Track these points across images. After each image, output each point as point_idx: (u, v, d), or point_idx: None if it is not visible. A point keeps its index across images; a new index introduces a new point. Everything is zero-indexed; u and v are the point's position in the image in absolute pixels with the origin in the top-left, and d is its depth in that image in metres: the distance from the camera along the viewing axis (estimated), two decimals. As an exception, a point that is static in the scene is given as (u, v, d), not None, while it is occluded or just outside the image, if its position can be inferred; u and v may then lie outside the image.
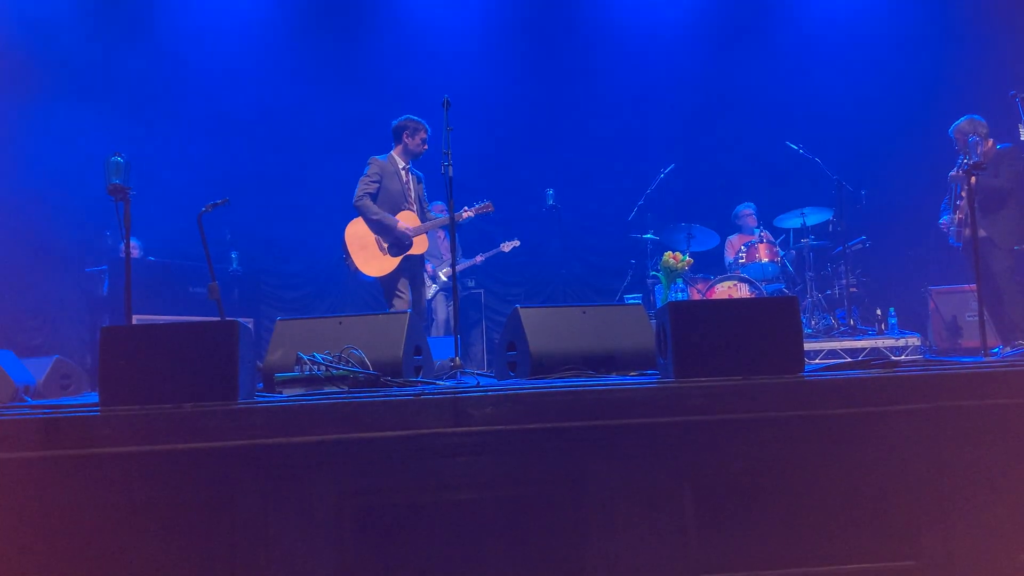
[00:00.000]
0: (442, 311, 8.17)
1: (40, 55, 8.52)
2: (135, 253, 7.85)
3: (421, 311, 6.18)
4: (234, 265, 8.45)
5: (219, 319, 4.43)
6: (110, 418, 2.47)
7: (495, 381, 4.02)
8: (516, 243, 8.11)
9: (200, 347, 2.68)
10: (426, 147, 6.23)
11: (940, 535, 2.57)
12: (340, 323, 3.82)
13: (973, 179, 4.74)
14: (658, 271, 7.46)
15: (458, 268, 8.07)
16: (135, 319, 6.82)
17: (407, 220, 6.16)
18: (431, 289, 8.00)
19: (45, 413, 2.57)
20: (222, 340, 2.68)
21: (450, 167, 5.07)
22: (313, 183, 9.64)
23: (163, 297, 7.60)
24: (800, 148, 7.87)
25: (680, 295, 7.47)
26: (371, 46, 9.79)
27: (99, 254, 8.27)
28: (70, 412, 2.58)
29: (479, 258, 8.25)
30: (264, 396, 3.07)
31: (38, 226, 8.31)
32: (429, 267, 7.90)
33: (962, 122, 6.38)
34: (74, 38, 8.74)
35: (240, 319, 7.38)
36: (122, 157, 4.13)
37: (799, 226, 8.03)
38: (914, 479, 2.58)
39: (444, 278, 7.87)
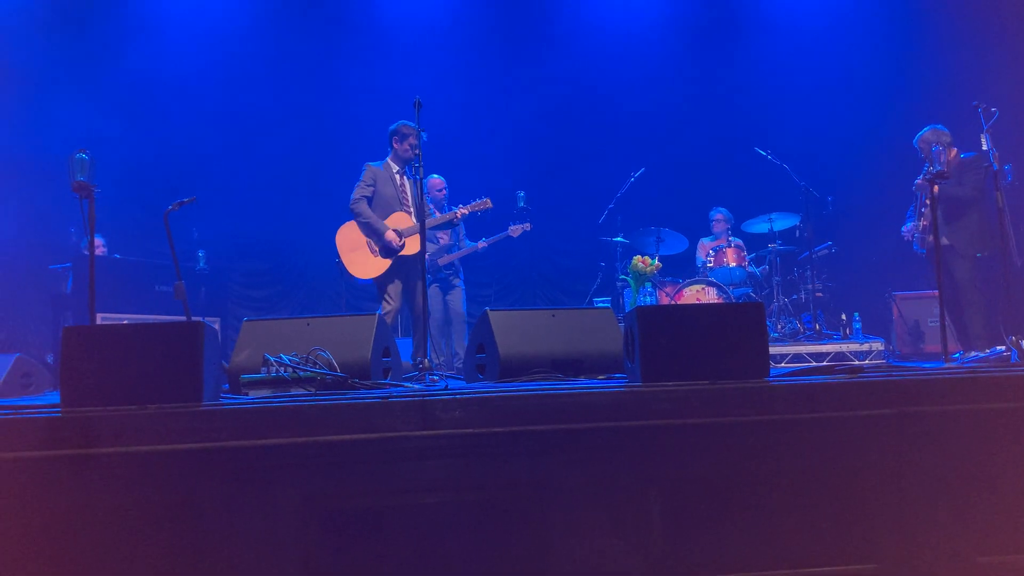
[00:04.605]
0: (456, 305, 7.77)
1: (1, 49, 8.37)
2: (100, 250, 7.73)
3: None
4: (201, 264, 8.35)
5: (184, 319, 4.39)
6: (71, 419, 2.43)
7: (464, 384, 4.02)
8: (527, 226, 7.61)
9: (164, 348, 2.65)
10: (416, 152, 6.01)
11: (900, 538, 2.61)
12: (308, 324, 3.79)
13: (936, 188, 4.83)
14: (627, 274, 7.48)
15: (461, 254, 7.87)
16: (99, 317, 6.69)
17: (399, 221, 6.18)
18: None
19: (4, 414, 2.52)
20: (187, 341, 2.66)
21: (421, 168, 5.08)
22: (282, 182, 9.57)
23: (128, 296, 7.48)
24: (768, 154, 7.92)
25: (649, 299, 7.50)
26: (345, 46, 9.74)
27: (63, 251, 8.13)
28: (30, 413, 2.54)
29: (482, 243, 7.73)
30: (230, 398, 3.04)
31: (0, 223, 8.17)
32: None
33: (926, 132, 6.49)
34: (41, 33, 8.59)
35: (206, 318, 7.33)
36: (87, 154, 4.09)
37: (767, 231, 8.10)
38: (875, 483, 2.62)
39: (440, 265, 7.64)
